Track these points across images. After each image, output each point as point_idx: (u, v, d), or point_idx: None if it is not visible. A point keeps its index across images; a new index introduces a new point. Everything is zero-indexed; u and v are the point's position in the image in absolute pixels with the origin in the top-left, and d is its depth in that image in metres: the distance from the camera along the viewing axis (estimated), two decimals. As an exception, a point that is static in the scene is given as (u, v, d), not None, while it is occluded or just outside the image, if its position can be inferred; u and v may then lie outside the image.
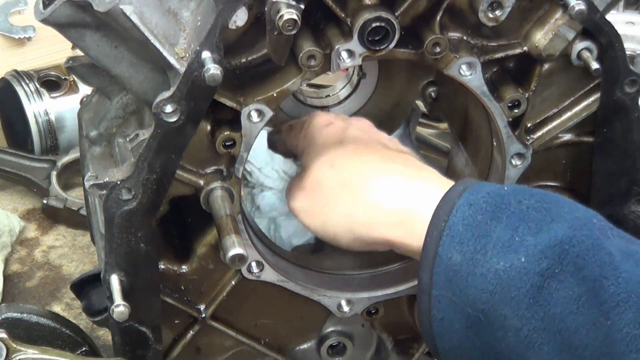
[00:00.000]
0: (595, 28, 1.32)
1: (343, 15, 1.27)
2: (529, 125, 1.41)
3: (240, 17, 1.23)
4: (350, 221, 1.30)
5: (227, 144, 1.31)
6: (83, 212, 2.00)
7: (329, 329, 1.54)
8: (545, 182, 1.48)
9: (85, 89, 2.21)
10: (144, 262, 1.32)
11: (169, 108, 1.23)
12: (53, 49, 2.38)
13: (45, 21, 1.29)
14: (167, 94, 1.23)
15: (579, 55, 1.34)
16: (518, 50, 1.35)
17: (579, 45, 1.34)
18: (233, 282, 1.44)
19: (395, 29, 1.26)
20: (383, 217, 1.27)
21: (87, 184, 1.29)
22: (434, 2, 1.29)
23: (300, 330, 1.53)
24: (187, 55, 1.24)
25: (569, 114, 1.41)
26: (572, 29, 1.32)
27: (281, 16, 1.19)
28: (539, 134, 1.41)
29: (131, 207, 1.28)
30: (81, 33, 1.31)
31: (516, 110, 1.37)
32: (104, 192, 1.27)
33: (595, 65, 1.33)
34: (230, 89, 1.28)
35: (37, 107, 2.22)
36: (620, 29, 1.36)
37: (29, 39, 2.40)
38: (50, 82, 2.27)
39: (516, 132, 1.39)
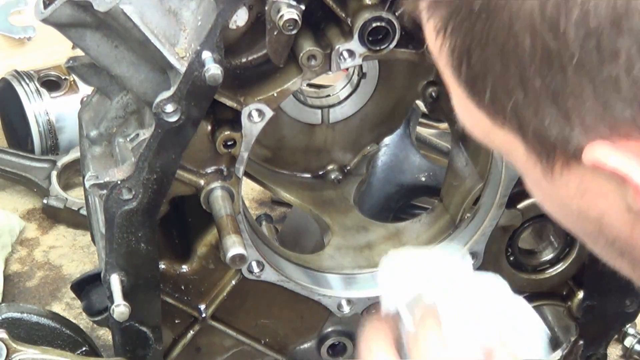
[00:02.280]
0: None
1: (343, 15, 1.26)
2: (529, 125, 1.40)
3: (240, 17, 1.23)
4: None
5: (227, 143, 1.31)
6: (83, 212, 2.00)
7: (329, 329, 1.54)
8: (545, 182, 1.48)
9: (85, 89, 2.21)
10: (144, 262, 1.32)
11: (169, 108, 1.23)
12: (53, 49, 2.38)
13: (45, 21, 1.29)
14: (167, 94, 1.23)
15: (579, 55, 1.34)
16: (518, 50, 1.35)
17: (579, 45, 1.33)
18: (233, 282, 1.44)
19: (396, 29, 1.26)
20: None
21: (87, 184, 1.29)
22: (435, 2, 1.29)
23: (300, 330, 1.53)
24: (188, 55, 1.24)
25: (569, 113, 1.40)
26: (572, 29, 1.32)
27: (281, 16, 1.19)
28: (539, 134, 1.41)
29: (131, 207, 1.28)
30: (82, 33, 1.31)
31: (516, 110, 1.37)
32: (105, 192, 1.27)
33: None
34: (231, 89, 1.28)
35: (37, 107, 2.22)
36: (621, 29, 1.36)
37: (29, 39, 2.40)
38: (50, 82, 2.27)
39: (516, 132, 1.39)
